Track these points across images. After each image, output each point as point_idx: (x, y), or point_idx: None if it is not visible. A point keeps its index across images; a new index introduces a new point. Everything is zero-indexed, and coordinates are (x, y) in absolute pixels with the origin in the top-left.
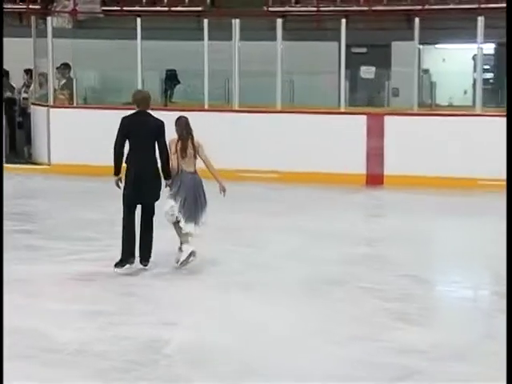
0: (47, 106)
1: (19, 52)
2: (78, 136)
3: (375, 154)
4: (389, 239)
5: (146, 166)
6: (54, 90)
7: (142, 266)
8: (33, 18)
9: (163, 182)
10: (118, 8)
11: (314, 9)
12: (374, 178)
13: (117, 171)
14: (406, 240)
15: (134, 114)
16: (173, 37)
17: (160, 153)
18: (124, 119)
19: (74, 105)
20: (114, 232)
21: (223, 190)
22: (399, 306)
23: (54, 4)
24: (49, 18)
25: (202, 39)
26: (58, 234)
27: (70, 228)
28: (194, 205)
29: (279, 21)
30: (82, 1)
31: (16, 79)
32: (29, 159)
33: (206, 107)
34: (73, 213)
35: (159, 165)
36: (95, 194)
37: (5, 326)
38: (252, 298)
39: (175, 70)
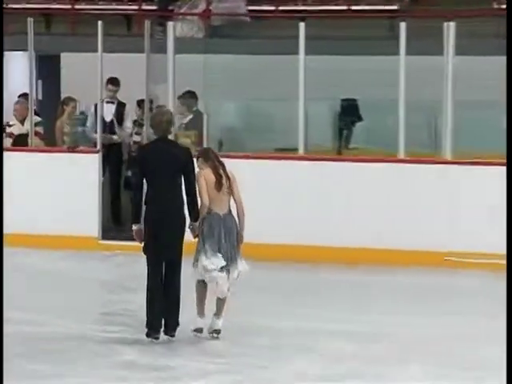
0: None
1: (128, 74)
2: None
3: None
4: None
5: (169, 209)
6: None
7: (167, 338)
8: (147, 23)
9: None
10: (272, 8)
11: None
12: None
13: (136, 218)
14: None
15: (151, 142)
16: (351, 50)
17: (187, 190)
18: (140, 151)
19: None
20: None
21: (241, 238)
22: None
23: (178, 3)
24: (170, 24)
25: (396, 52)
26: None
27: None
28: (227, 256)
29: None
30: None
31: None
32: None
33: (402, 157)
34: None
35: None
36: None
37: None
38: None
39: (355, 100)
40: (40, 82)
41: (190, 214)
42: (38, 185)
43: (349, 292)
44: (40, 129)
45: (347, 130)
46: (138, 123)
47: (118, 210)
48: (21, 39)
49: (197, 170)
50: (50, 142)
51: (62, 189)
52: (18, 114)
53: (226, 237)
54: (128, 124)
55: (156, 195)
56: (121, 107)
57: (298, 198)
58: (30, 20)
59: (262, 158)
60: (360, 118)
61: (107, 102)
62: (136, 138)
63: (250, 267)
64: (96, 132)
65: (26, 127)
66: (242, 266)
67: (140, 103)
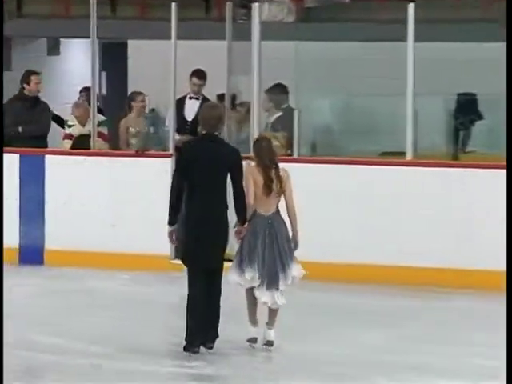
0: (246, 157)
1: (206, 64)
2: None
3: None
4: None
5: (212, 214)
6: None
7: (206, 350)
8: (228, 5)
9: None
10: None
11: None
12: None
13: (172, 219)
14: None
15: (195, 139)
16: (468, 36)
17: (235, 194)
18: (183, 148)
19: (295, 157)
20: None
21: (295, 244)
22: None
23: None
24: (255, 6)
25: None
26: None
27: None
28: (273, 264)
29: None
30: None
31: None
32: None
33: None
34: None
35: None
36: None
37: None
38: None
39: (474, 95)
40: (104, 74)
41: (238, 217)
42: (100, 194)
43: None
44: (104, 129)
45: (464, 130)
46: None
47: None
48: (82, 24)
49: (245, 164)
50: (115, 144)
51: (127, 199)
52: (79, 115)
53: (273, 241)
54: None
55: (198, 198)
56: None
57: (407, 210)
58: (93, 2)
59: (364, 163)
60: (480, 117)
61: (190, 98)
62: None
63: (306, 272)
64: (178, 133)
65: (88, 127)
66: (296, 271)
67: (220, 98)
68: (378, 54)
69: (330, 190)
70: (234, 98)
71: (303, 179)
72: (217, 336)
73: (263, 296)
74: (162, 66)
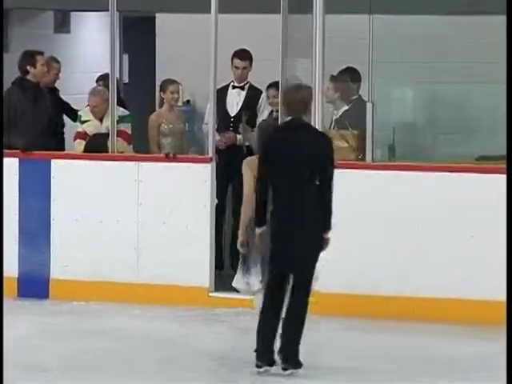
0: None
1: (254, 44)
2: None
3: None
4: None
5: (301, 213)
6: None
7: (282, 372)
8: None
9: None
10: None
11: None
12: None
13: (260, 221)
14: None
15: (278, 127)
16: None
17: (323, 190)
18: (264, 137)
19: (368, 162)
20: None
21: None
22: None
23: None
24: None
25: None
26: None
27: None
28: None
29: None
30: None
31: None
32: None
33: None
34: None
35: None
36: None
37: None
38: None
39: None
40: (126, 57)
41: (326, 220)
42: (121, 209)
43: None
44: (126, 126)
45: None
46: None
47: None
48: None
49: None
50: (141, 145)
51: (155, 216)
52: (95, 105)
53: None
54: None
55: (283, 196)
56: (254, 95)
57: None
58: None
59: (456, 170)
60: None
61: (234, 88)
62: None
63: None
64: (218, 132)
65: (106, 124)
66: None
67: (272, 87)
68: (472, 30)
69: (413, 205)
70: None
71: (378, 189)
72: (298, 362)
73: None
74: (199, 47)
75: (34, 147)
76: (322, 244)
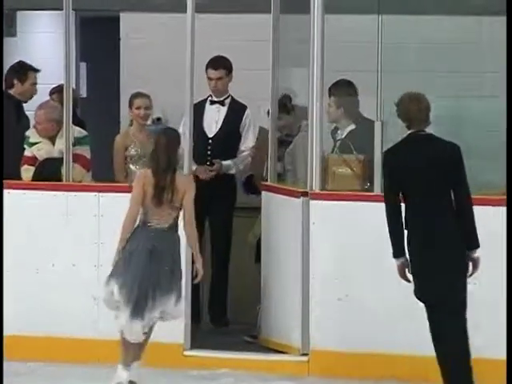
0: (304, 192)
1: (240, 49)
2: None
3: None
4: None
5: (439, 231)
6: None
7: None
8: None
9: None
10: None
11: None
12: None
13: (399, 250)
14: None
15: (401, 142)
16: None
17: (458, 205)
18: (387, 157)
19: (377, 192)
20: None
21: (196, 274)
22: None
23: None
24: None
25: None
26: None
27: None
28: (150, 288)
29: None
30: None
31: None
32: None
33: None
34: None
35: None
36: None
37: None
38: None
39: None
40: (84, 65)
41: (467, 236)
42: (78, 250)
43: None
44: (84, 150)
45: None
46: (281, 140)
47: (222, 298)
48: None
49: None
50: (102, 172)
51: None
52: (39, 126)
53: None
54: (250, 141)
55: (419, 215)
56: (236, 111)
57: None
58: None
59: (483, 202)
60: None
61: (212, 103)
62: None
63: None
64: (195, 157)
65: (60, 146)
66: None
67: (286, 100)
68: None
69: None
70: (288, 99)
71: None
72: None
73: (121, 322)
74: (172, 54)
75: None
76: (465, 266)
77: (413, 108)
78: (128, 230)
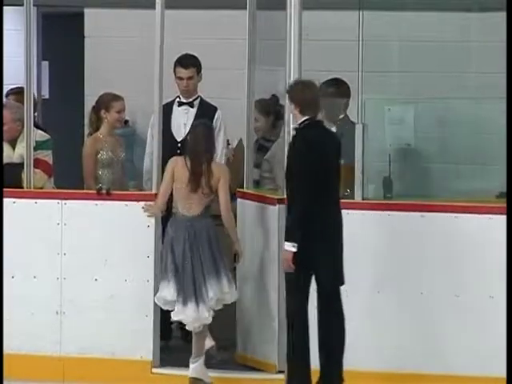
0: (280, 199)
1: (213, 48)
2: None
3: None
4: None
5: (335, 228)
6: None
7: None
8: None
9: None
10: None
11: None
12: None
13: (295, 236)
14: None
15: (305, 128)
16: None
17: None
18: (301, 141)
19: (358, 200)
20: None
21: (238, 256)
22: None
23: None
24: None
25: None
26: None
27: None
28: (199, 275)
29: None
30: None
31: None
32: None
33: None
34: None
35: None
36: None
37: None
38: None
39: None
40: (46, 64)
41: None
42: (39, 261)
43: None
44: (46, 154)
45: None
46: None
47: None
48: None
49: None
50: (66, 178)
51: (85, 272)
52: (8, 127)
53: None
54: (221, 144)
55: (320, 206)
56: (206, 113)
57: None
58: None
59: (474, 210)
60: None
61: (180, 104)
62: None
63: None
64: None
65: (20, 151)
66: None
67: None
68: (497, 31)
69: (416, 256)
70: (275, 101)
71: (371, 235)
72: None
73: (179, 314)
74: (140, 52)
75: None
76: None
77: (309, 95)
78: (165, 195)
